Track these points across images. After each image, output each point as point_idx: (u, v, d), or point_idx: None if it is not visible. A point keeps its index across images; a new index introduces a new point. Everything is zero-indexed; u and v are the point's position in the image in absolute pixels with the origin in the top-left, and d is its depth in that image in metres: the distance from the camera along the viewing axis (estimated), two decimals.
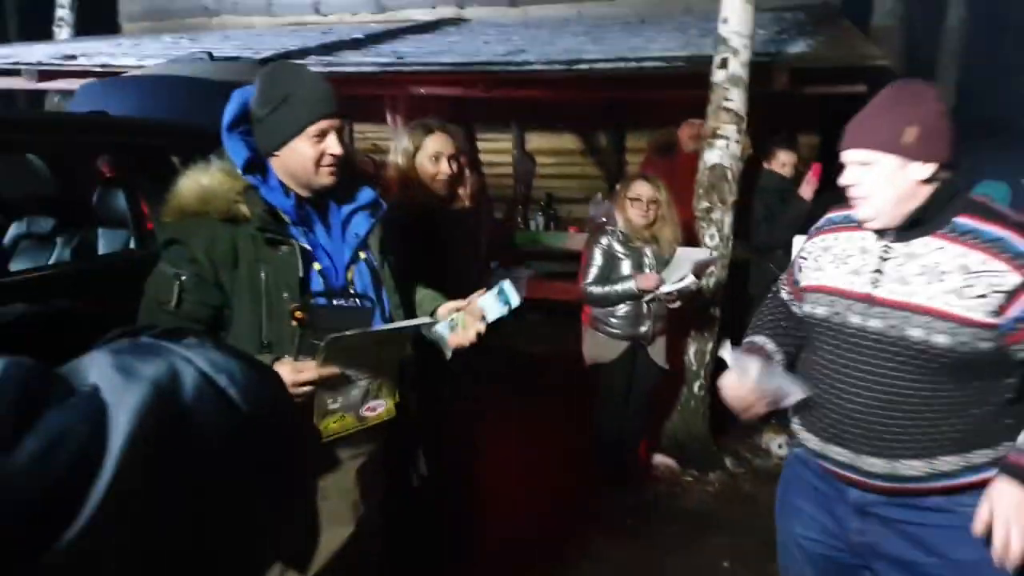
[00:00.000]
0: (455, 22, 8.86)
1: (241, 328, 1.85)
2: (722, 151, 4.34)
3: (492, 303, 2.13)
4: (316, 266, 1.91)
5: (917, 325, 1.74)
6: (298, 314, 1.83)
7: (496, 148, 8.46)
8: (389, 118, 6.26)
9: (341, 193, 2.02)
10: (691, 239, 4.33)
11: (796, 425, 2.02)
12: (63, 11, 9.59)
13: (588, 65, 5.56)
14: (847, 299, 1.86)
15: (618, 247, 3.94)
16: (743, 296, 4.95)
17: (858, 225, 1.87)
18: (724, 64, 4.27)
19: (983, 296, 1.68)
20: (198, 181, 1.83)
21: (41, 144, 3.45)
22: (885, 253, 1.83)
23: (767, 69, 5.01)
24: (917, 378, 1.76)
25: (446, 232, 2.80)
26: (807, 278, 1.99)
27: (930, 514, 1.82)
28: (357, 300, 1.99)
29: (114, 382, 0.50)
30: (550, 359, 4.87)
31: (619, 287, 3.86)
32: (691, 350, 4.60)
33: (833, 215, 2.03)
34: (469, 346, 2.09)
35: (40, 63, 6.68)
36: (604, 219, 4.18)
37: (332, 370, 1.77)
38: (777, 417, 4.86)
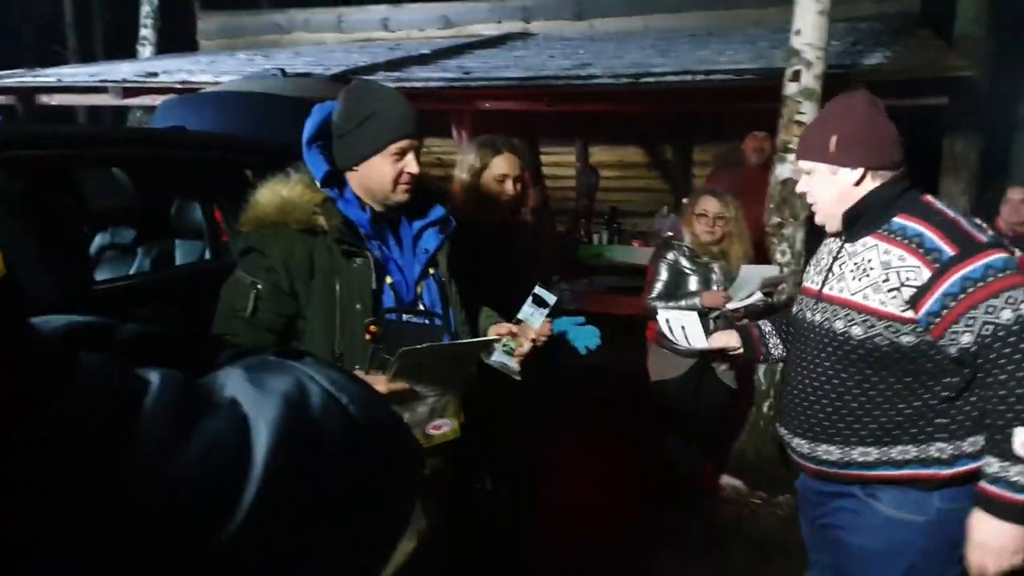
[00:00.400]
0: (521, 36, 8.91)
1: (314, 338, 1.87)
2: (794, 165, 4.24)
3: (531, 311, 2.21)
4: (388, 280, 1.94)
5: (840, 318, 1.89)
6: (372, 328, 1.86)
7: (559, 161, 8.47)
8: (455, 132, 6.32)
9: (413, 209, 2.04)
10: (760, 255, 4.26)
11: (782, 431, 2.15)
12: (146, 31, 9.97)
13: (655, 78, 5.52)
14: (807, 297, 2.04)
15: (685, 262, 3.89)
16: None
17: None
18: (796, 77, 4.19)
19: (896, 289, 1.79)
20: (278, 192, 1.88)
21: (125, 158, 3.58)
22: (837, 254, 1.98)
23: (841, 81, 4.90)
24: (840, 368, 1.90)
25: (507, 249, 2.80)
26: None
27: (843, 502, 1.99)
28: (427, 318, 2.01)
29: (251, 395, 0.53)
30: (613, 375, 4.81)
31: (684, 303, 3.80)
32: (760, 368, 4.50)
33: None
34: (532, 358, 2.15)
35: (124, 80, 6.96)
36: (670, 233, 4.14)
37: (401, 385, 1.78)
38: None
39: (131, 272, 3.63)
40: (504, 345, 2.16)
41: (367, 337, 1.86)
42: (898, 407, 1.86)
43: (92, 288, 2.80)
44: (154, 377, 0.51)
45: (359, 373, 1.77)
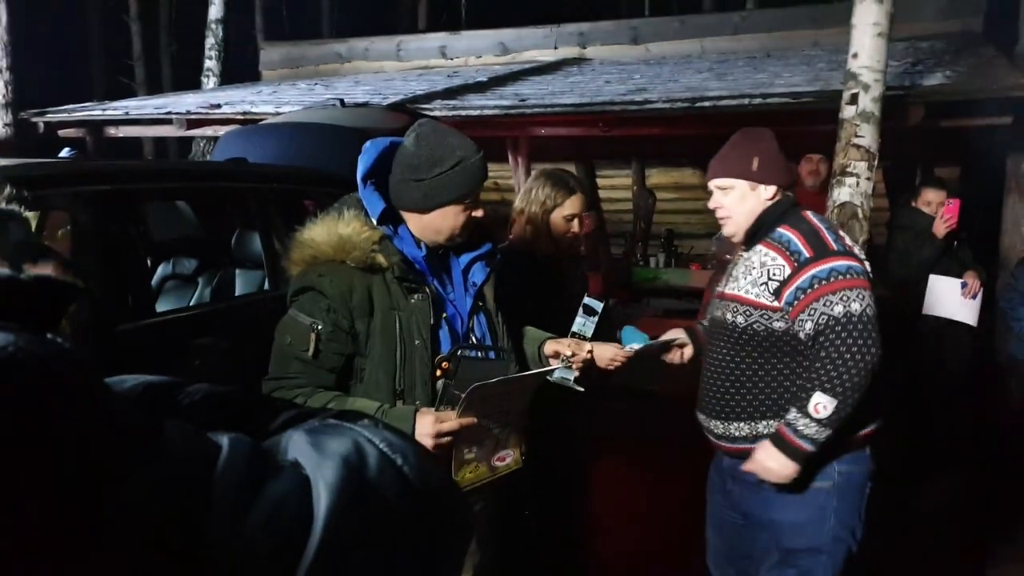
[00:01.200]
0: (577, 62, 8.95)
1: (375, 375, 1.88)
2: (852, 189, 4.17)
3: (583, 322, 2.27)
4: (443, 314, 1.97)
5: (731, 311, 2.27)
6: (445, 365, 1.88)
7: (616, 184, 8.45)
8: (511, 158, 6.36)
9: (462, 242, 2.05)
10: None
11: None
12: (210, 62, 10.29)
13: (711, 102, 5.49)
14: (716, 299, 2.40)
15: None
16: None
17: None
18: (854, 100, 4.12)
19: (766, 283, 2.19)
20: (334, 231, 1.87)
21: (188, 191, 3.70)
22: (738, 260, 2.35)
23: (901, 103, 4.80)
24: (734, 354, 2.27)
25: (562, 279, 2.82)
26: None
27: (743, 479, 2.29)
28: (494, 352, 2.05)
29: (312, 458, 0.56)
30: (669, 398, 4.75)
31: None
32: None
33: None
34: (597, 374, 2.22)
35: (188, 112, 7.18)
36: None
37: (470, 419, 1.79)
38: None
39: (192, 302, 3.74)
40: (563, 360, 2.22)
41: (437, 373, 1.89)
42: (784, 384, 2.22)
43: (151, 319, 2.88)
44: (224, 441, 0.54)
45: (427, 411, 1.81)
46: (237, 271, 3.85)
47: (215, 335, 3.01)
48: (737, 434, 2.29)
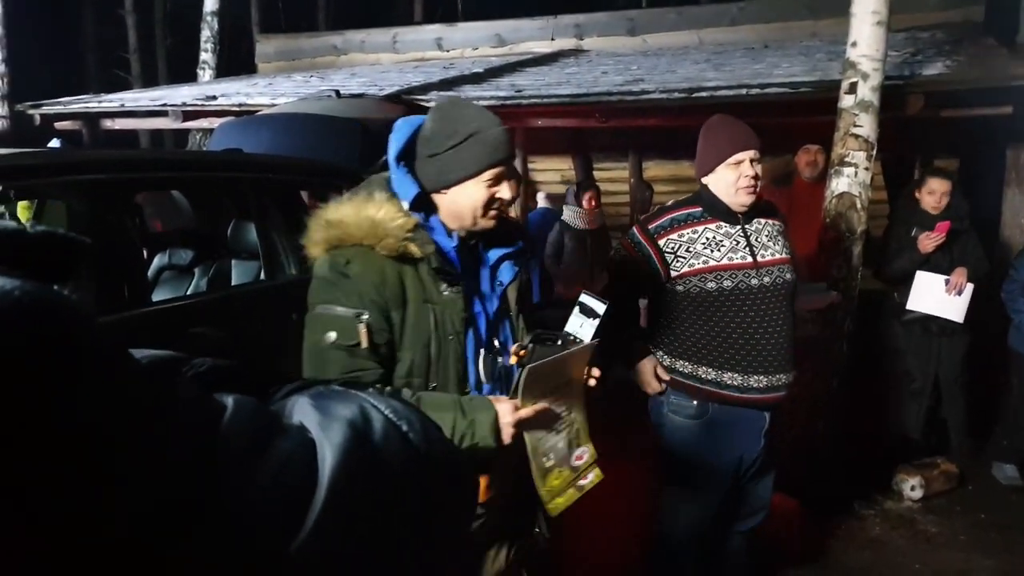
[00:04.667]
0: (574, 53, 8.93)
1: (406, 371, 1.76)
2: (850, 179, 4.15)
3: (579, 323, 2.00)
4: (472, 310, 1.86)
5: (780, 272, 2.59)
6: (522, 352, 1.77)
7: (613, 176, 8.43)
8: None
9: (491, 238, 1.92)
10: (814, 270, 4.16)
11: (712, 374, 2.59)
12: (206, 55, 10.26)
13: (708, 93, 5.47)
14: (742, 270, 2.55)
15: None
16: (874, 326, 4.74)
17: (700, 220, 2.59)
18: (853, 89, 4.10)
19: (784, 243, 2.68)
20: (366, 214, 1.72)
21: (183, 181, 3.67)
22: (743, 232, 2.59)
23: (900, 92, 4.78)
24: (787, 309, 2.61)
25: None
26: (684, 267, 2.55)
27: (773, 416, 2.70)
28: (567, 341, 1.91)
29: (317, 421, 0.57)
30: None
31: None
32: (816, 384, 4.39)
33: (675, 215, 2.63)
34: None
35: (184, 104, 7.15)
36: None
37: (530, 409, 1.70)
38: (912, 458, 4.61)
39: (188, 292, 3.72)
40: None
41: (512, 360, 1.79)
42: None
43: (147, 307, 2.86)
44: (229, 401, 0.55)
45: (503, 398, 1.72)
46: (233, 261, 3.83)
47: (211, 324, 3.00)
48: (786, 381, 2.62)
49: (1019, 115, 4.89)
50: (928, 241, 4.39)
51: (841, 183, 4.18)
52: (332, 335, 1.70)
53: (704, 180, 2.62)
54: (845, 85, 4.15)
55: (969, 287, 4.45)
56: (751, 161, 2.53)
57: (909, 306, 4.54)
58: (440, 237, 1.81)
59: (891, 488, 4.47)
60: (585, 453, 1.91)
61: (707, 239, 2.57)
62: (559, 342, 1.88)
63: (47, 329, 0.44)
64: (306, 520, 0.51)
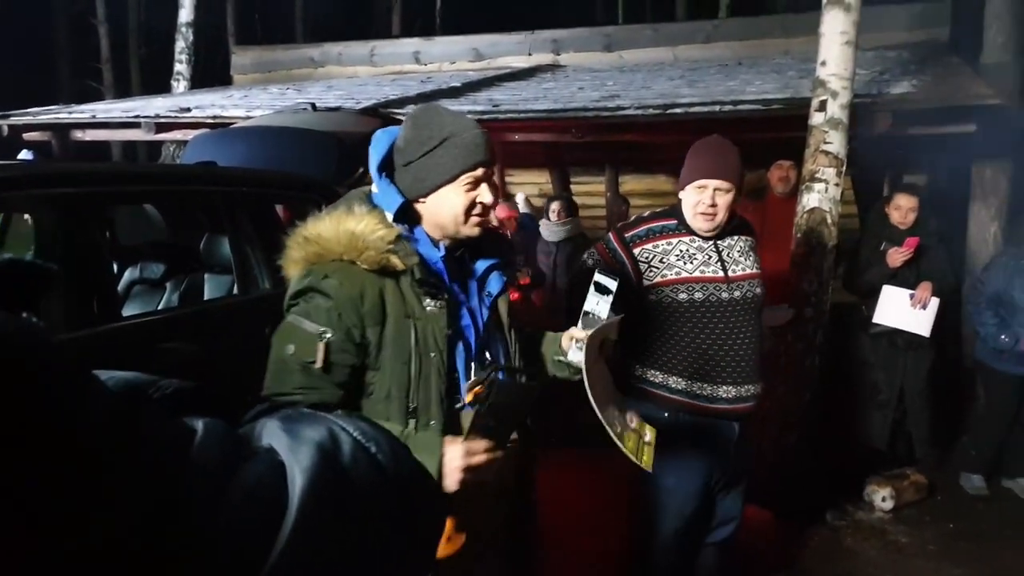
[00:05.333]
0: (551, 68, 8.98)
1: (385, 391, 1.70)
2: (821, 194, 4.22)
3: (595, 301, 2.02)
4: (458, 324, 1.79)
5: (750, 286, 2.67)
6: (477, 389, 1.67)
7: (590, 191, 8.47)
8: None
9: (477, 248, 1.88)
10: (785, 285, 4.21)
11: (683, 384, 2.64)
12: (180, 66, 10.20)
13: (683, 109, 5.53)
14: (712, 283, 2.62)
15: None
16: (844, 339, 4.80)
17: (675, 232, 2.65)
18: (823, 107, 4.17)
19: (755, 259, 2.75)
20: (346, 227, 1.67)
21: (155, 194, 3.64)
22: (715, 248, 2.66)
23: (868, 110, 4.87)
24: (755, 321, 2.70)
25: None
26: (657, 276, 2.62)
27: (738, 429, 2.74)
28: (524, 375, 1.90)
29: (286, 444, 0.58)
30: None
31: None
32: (788, 397, 4.44)
33: (651, 226, 2.69)
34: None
35: (157, 116, 7.09)
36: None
37: (487, 444, 1.61)
38: (883, 469, 4.66)
39: (159, 307, 3.69)
40: (578, 345, 1.95)
41: (468, 398, 1.71)
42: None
43: (117, 323, 2.83)
44: (199, 425, 0.55)
45: (454, 440, 1.61)
46: (206, 275, 3.81)
47: (183, 339, 2.97)
48: (754, 392, 2.68)
49: (983, 133, 4.99)
50: (896, 256, 4.46)
51: (812, 198, 4.25)
52: (291, 348, 1.66)
53: (680, 195, 2.69)
54: (815, 103, 4.21)
55: (934, 302, 4.52)
56: (715, 190, 2.55)
57: (875, 319, 4.60)
58: (426, 248, 1.76)
59: (862, 499, 4.52)
60: (634, 418, 2.04)
61: (680, 251, 2.63)
62: (517, 376, 1.90)
63: (7, 357, 0.44)
64: (276, 542, 0.51)
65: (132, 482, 0.47)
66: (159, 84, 11.43)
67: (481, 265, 1.88)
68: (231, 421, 0.64)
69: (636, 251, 2.66)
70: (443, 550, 1.64)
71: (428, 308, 1.70)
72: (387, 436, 0.64)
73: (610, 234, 2.78)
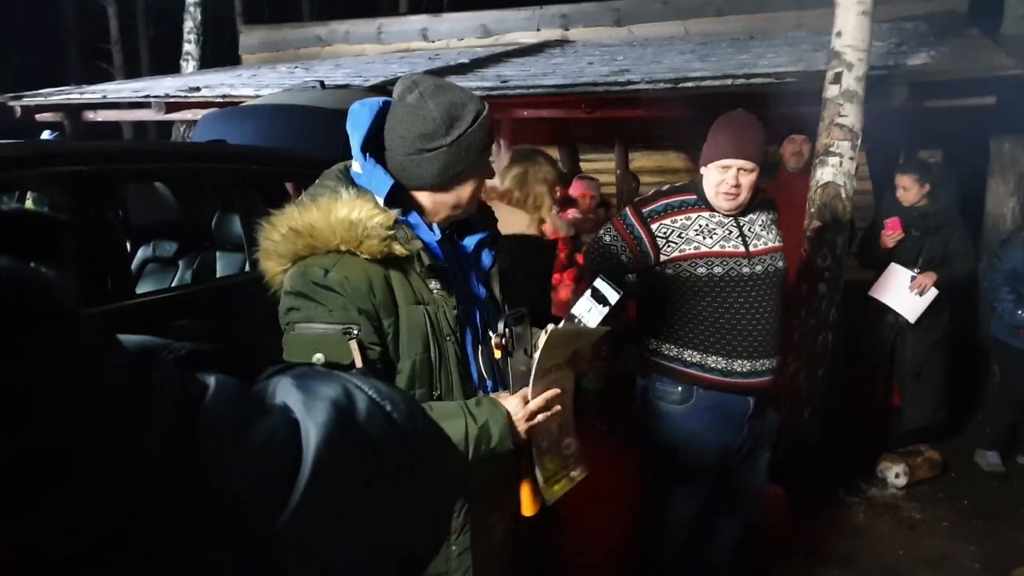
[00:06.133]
0: (560, 44, 8.90)
1: (406, 382, 1.60)
2: (835, 168, 4.17)
3: (588, 307, 1.85)
4: (462, 305, 1.72)
5: (772, 260, 2.66)
6: (503, 341, 1.65)
7: (600, 168, 8.42)
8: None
9: (465, 225, 1.79)
10: (798, 261, 4.18)
11: (697, 357, 2.63)
12: (189, 46, 10.18)
13: (694, 83, 5.47)
14: (733, 258, 2.60)
15: None
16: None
17: (694, 207, 2.64)
18: (837, 79, 4.11)
19: (778, 232, 2.75)
20: (341, 215, 1.53)
21: (167, 172, 3.64)
22: (738, 223, 2.65)
23: (884, 83, 4.80)
24: (776, 295, 2.67)
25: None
26: (675, 251, 2.61)
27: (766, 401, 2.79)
28: (574, 321, 1.83)
29: (300, 400, 0.58)
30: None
31: None
32: (801, 374, 4.42)
33: (670, 201, 2.68)
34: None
35: (167, 95, 7.09)
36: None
37: (554, 391, 1.62)
38: (894, 446, 4.65)
39: (172, 284, 3.69)
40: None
41: (496, 354, 1.68)
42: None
43: (132, 300, 2.84)
44: (211, 381, 0.55)
45: (505, 395, 1.63)
46: (218, 253, 3.81)
47: (196, 316, 2.98)
48: (769, 366, 2.67)
49: (1002, 106, 4.92)
50: (885, 237, 4.61)
51: (826, 173, 4.20)
52: (319, 356, 1.49)
53: (701, 170, 2.67)
54: (830, 75, 4.16)
55: (932, 292, 4.53)
56: (739, 170, 2.54)
57: (871, 293, 4.65)
58: (422, 232, 1.65)
59: (875, 476, 4.52)
60: (572, 444, 1.82)
61: (700, 226, 2.62)
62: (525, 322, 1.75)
63: (24, 302, 0.44)
64: (291, 497, 0.51)
65: (143, 432, 0.47)
66: (168, 65, 11.42)
67: (471, 242, 1.80)
68: (246, 377, 0.64)
69: (654, 226, 2.64)
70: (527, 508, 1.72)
71: (436, 293, 1.62)
72: (402, 395, 0.64)
73: (627, 209, 2.77)
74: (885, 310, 4.69)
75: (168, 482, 0.47)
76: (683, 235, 2.62)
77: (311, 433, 0.54)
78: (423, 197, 1.67)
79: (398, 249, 1.56)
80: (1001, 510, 4.24)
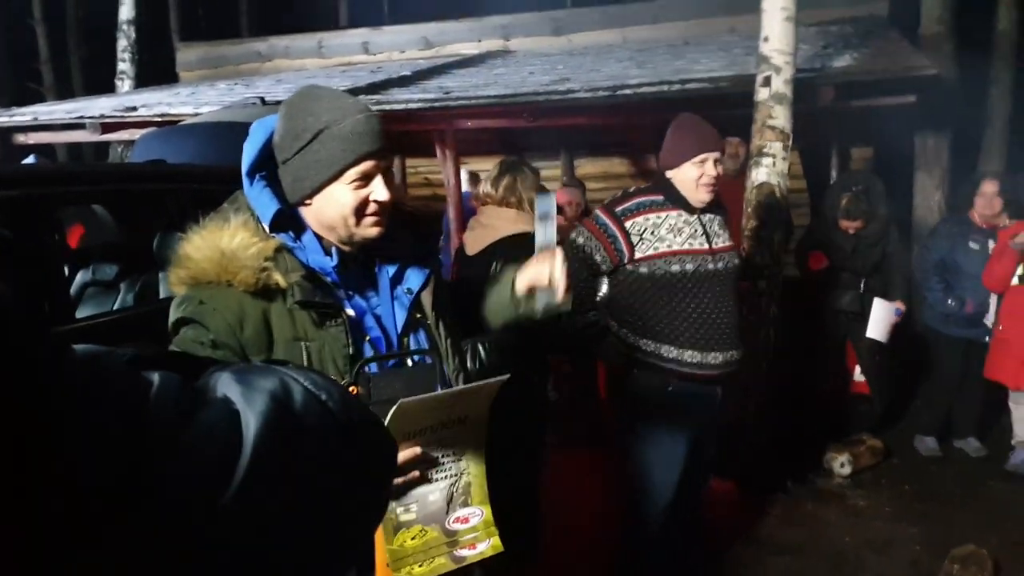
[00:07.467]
0: (501, 54, 8.97)
1: None
2: (769, 169, 4.30)
3: (544, 230, 1.74)
4: (366, 337, 1.57)
5: (731, 258, 2.85)
6: (353, 389, 1.46)
7: (546, 176, 8.46)
8: (439, 152, 6.35)
9: (387, 243, 1.62)
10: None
11: (674, 352, 2.76)
12: (124, 64, 9.98)
13: (632, 90, 5.57)
14: (699, 255, 2.75)
15: None
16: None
17: (663, 207, 2.77)
18: (767, 82, 4.25)
19: (730, 231, 2.94)
20: (215, 245, 1.45)
21: (104, 194, 3.59)
22: (700, 221, 2.79)
23: (812, 84, 4.96)
24: (733, 291, 2.85)
25: None
26: (650, 249, 2.73)
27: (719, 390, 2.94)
28: (413, 358, 1.63)
29: (239, 392, 0.61)
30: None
31: None
32: (745, 369, 4.53)
33: (641, 200, 2.80)
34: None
35: (103, 116, 6.94)
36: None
37: (413, 451, 1.42)
38: (840, 436, 4.79)
39: (114, 307, 3.64)
40: (542, 290, 1.70)
41: None
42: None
43: (71, 325, 2.80)
44: (155, 377, 0.58)
45: None
46: (161, 275, 3.76)
47: (141, 339, 2.94)
48: (737, 357, 2.84)
49: (922, 104, 5.12)
50: (812, 263, 4.99)
51: (760, 173, 4.33)
52: None
53: (668, 174, 2.80)
54: (760, 79, 4.29)
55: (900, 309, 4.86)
56: (714, 161, 2.74)
57: (869, 335, 4.80)
58: (316, 257, 1.54)
59: (822, 466, 4.64)
60: (475, 516, 1.53)
61: (670, 224, 2.77)
62: (399, 364, 1.60)
63: None
64: (233, 477, 0.55)
65: (93, 426, 0.50)
66: (102, 84, 11.18)
67: (393, 263, 1.64)
68: (188, 377, 0.67)
69: (627, 224, 2.77)
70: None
71: (324, 328, 1.50)
72: (337, 387, 0.67)
73: (598, 210, 2.89)
74: (833, 305, 4.86)
75: (114, 469, 0.50)
76: (656, 233, 2.76)
77: (250, 421, 0.58)
78: (307, 215, 1.55)
79: (277, 279, 1.46)
80: (940, 493, 4.40)
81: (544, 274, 1.68)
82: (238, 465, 0.55)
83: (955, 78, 6.12)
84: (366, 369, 1.52)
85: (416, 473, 1.46)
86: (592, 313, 2.90)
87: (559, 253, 1.71)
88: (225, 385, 0.62)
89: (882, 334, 4.78)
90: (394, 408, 1.34)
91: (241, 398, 0.60)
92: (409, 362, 1.62)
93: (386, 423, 1.32)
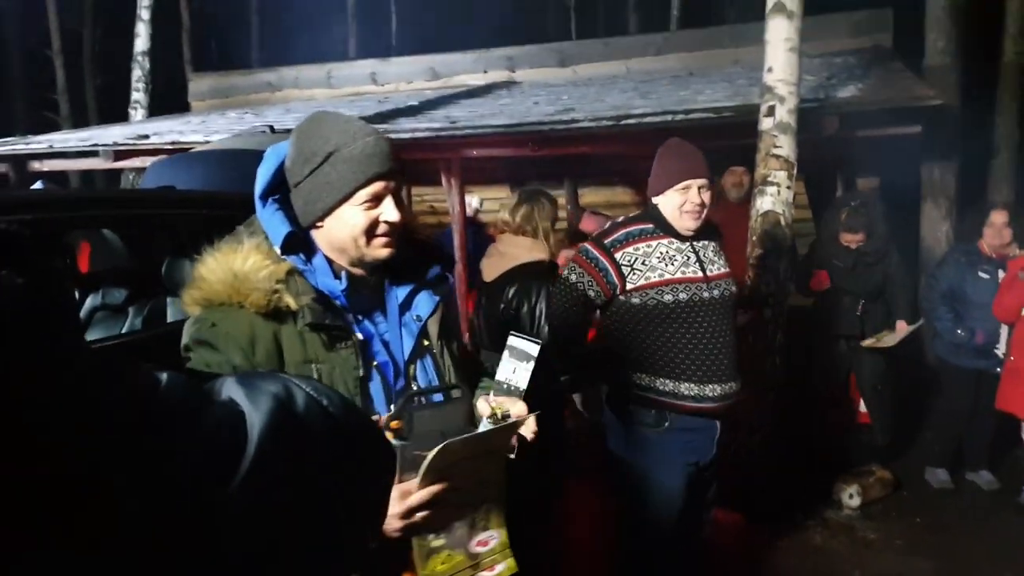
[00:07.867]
0: (506, 85, 9.07)
1: None
2: (774, 197, 4.32)
3: (511, 368, 1.69)
4: (373, 362, 1.56)
5: (728, 286, 2.75)
6: (394, 424, 1.46)
7: None
8: (444, 180, 6.39)
9: (398, 268, 1.64)
10: (742, 287, 4.31)
11: (670, 385, 2.67)
12: (138, 94, 10.13)
13: (636, 120, 5.62)
14: (693, 283, 2.66)
15: None
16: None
17: (653, 235, 2.69)
18: (771, 112, 4.28)
19: (726, 258, 2.84)
20: (228, 267, 1.48)
21: (115, 219, 3.63)
22: (693, 248, 2.72)
23: (816, 114, 5.00)
24: (730, 320, 2.75)
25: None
26: (641, 279, 2.65)
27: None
28: (442, 394, 1.63)
29: (244, 394, 0.64)
30: None
31: None
32: (752, 398, 4.51)
33: (629, 230, 2.73)
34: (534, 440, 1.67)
35: (116, 144, 7.04)
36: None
37: (440, 486, 1.41)
38: (847, 467, 4.75)
39: (123, 331, 3.66)
40: (493, 421, 1.62)
41: (388, 436, 1.45)
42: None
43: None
44: (163, 375, 0.61)
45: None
46: (169, 299, 3.78)
47: (148, 363, 2.96)
48: (736, 388, 2.73)
49: (927, 134, 5.14)
50: (814, 285, 4.96)
51: (765, 202, 4.34)
52: None
53: (655, 200, 2.73)
54: (764, 108, 4.32)
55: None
56: (698, 188, 2.63)
57: (886, 344, 4.76)
58: (326, 280, 1.55)
59: (831, 497, 4.60)
60: (493, 539, 1.59)
61: (661, 253, 2.68)
62: (442, 397, 1.61)
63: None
64: (240, 467, 0.57)
65: (106, 416, 0.52)
66: (116, 113, 11.34)
67: (405, 287, 1.66)
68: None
69: (618, 255, 2.69)
70: None
71: (334, 350, 1.50)
72: (338, 394, 0.71)
73: (587, 244, 2.80)
74: (834, 330, 4.84)
75: (124, 459, 0.52)
76: (646, 262, 2.66)
77: (255, 420, 0.61)
78: (318, 238, 1.57)
79: (288, 301, 1.47)
80: (952, 526, 4.35)
81: (497, 415, 1.61)
82: (244, 456, 0.58)
83: (961, 108, 6.15)
84: (413, 405, 1.52)
85: (449, 507, 1.47)
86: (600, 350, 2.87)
87: (519, 404, 1.64)
88: (230, 388, 0.65)
89: (895, 340, 4.76)
90: (439, 448, 1.35)
91: (246, 399, 0.63)
92: (446, 395, 1.63)
93: (427, 460, 1.35)
